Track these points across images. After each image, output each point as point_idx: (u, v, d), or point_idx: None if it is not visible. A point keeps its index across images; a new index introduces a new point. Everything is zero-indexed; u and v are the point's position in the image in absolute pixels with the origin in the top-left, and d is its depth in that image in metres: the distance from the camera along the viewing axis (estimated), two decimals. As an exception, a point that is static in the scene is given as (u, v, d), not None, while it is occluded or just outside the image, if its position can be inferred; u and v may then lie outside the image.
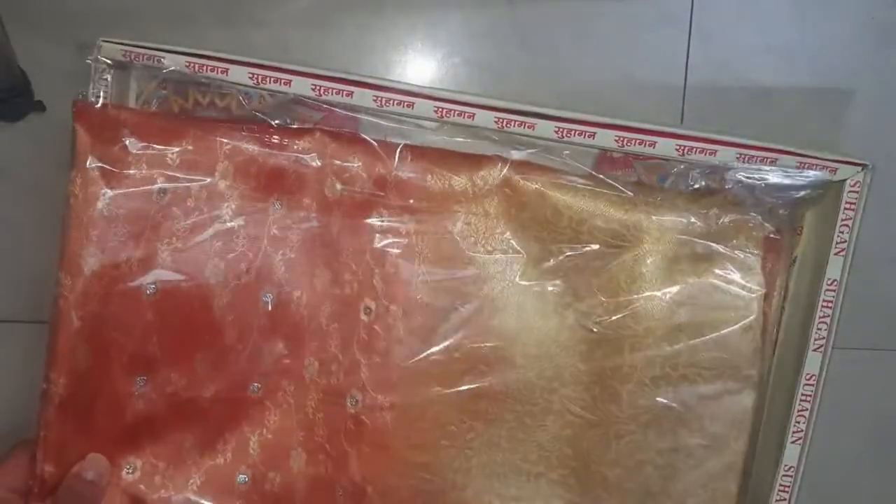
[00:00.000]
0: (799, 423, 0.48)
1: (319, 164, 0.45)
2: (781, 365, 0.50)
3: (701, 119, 0.52)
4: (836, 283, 0.48)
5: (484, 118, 0.46)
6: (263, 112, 0.45)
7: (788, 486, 0.49)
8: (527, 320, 0.49)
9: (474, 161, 0.48)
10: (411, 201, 0.47)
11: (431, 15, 0.50)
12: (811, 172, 0.48)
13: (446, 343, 0.48)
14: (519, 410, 0.49)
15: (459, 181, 0.48)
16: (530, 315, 0.49)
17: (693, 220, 0.49)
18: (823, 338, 0.48)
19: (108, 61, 0.42)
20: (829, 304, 0.48)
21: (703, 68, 0.52)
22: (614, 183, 0.48)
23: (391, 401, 0.47)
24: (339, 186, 0.46)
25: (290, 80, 0.44)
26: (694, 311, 0.49)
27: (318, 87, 0.44)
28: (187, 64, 0.43)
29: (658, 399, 0.49)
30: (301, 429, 0.46)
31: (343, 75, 0.44)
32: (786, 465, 0.49)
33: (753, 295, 0.50)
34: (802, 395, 0.48)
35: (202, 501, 0.44)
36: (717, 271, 0.49)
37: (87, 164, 0.41)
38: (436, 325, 0.48)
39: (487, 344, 0.48)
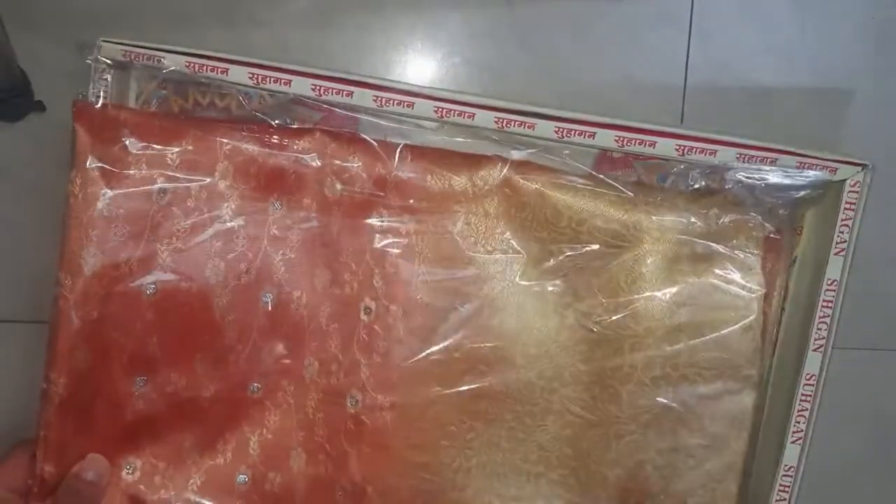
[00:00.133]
0: (799, 423, 0.48)
1: (319, 164, 0.45)
2: (781, 365, 0.50)
3: (701, 119, 0.52)
4: (836, 283, 0.48)
5: (484, 118, 0.46)
6: (263, 112, 0.45)
7: (788, 486, 0.49)
8: (527, 320, 0.49)
9: (474, 161, 0.48)
10: (411, 201, 0.47)
11: (431, 15, 0.50)
12: (811, 172, 0.48)
13: (446, 343, 0.48)
14: (519, 410, 0.49)
15: (459, 181, 0.48)
16: (530, 315, 0.49)
17: (693, 220, 0.49)
18: (823, 338, 0.48)
19: (108, 61, 0.42)
20: (829, 304, 0.48)
21: (703, 68, 0.53)
22: (614, 183, 0.48)
23: (391, 401, 0.47)
24: (339, 186, 0.46)
25: (290, 80, 0.44)
26: (694, 311, 0.49)
27: (318, 87, 0.44)
28: (187, 64, 0.43)
29: (658, 399, 0.49)
30: (301, 429, 0.46)
31: (343, 75, 0.44)
32: (786, 465, 0.49)
33: (753, 295, 0.50)
34: (802, 395, 0.48)
35: (202, 501, 0.44)
36: (717, 271, 0.49)
37: (87, 164, 0.41)
38: (436, 325, 0.48)
39: (487, 344, 0.48)
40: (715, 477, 0.50)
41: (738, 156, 0.48)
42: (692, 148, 0.47)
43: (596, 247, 0.49)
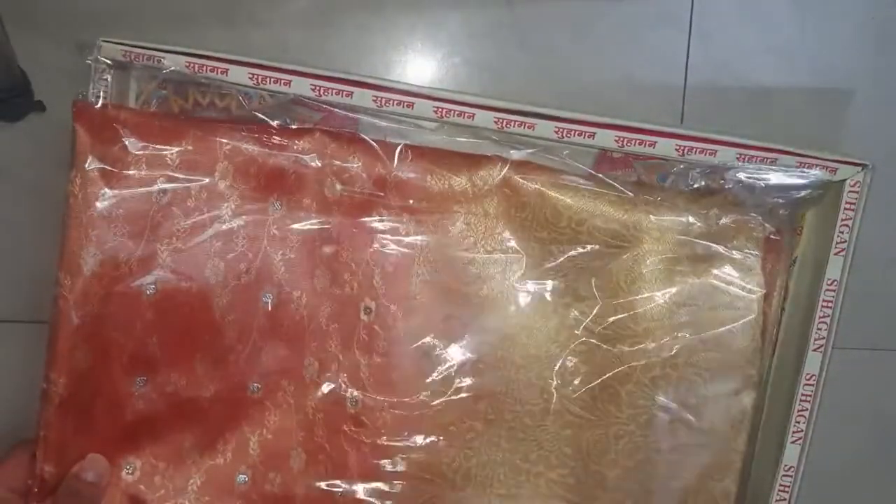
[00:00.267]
0: (799, 423, 0.48)
1: (319, 164, 0.45)
2: (781, 365, 0.50)
3: (701, 119, 0.52)
4: (836, 283, 0.48)
5: (484, 118, 0.46)
6: (263, 112, 0.45)
7: (788, 486, 0.49)
8: (527, 320, 0.49)
9: (474, 161, 0.48)
10: (411, 201, 0.47)
11: (431, 15, 0.50)
12: (811, 172, 0.48)
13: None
14: (519, 410, 0.49)
15: (459, 181, 0.48)
16: (530, 315, 0.49)
17: (693, 220, 0.49)
18: (823, 338, 0.48)
19: (108, 61, 0.42)
20: (829, 304, 0.48)
21: (703, 68, 0.52)
22: (614, 183, 0.48)
23: (391, 401, 0.47)
24: (338, 187, 0.46)
25: (290, 81, 0.44)
26: (694, 312, 0.49)
27: (317, 88, 0.44)
28: (187, 64, 0.43)
29: (658, 399, 0.49)
30: (301, 429, 0.46)
31: (343, 75, 0.44)
32: (786, 465, 0.49)
33: (753, 295, 0.50)
34: (802, 395, 0.48)
35: (202, 501, 0.44)
36: (716, 272, 0.49)
37: (87, 164, 0.41)
38: (436, 326, 0.48)
39: (487, 344, 0.48)
40: (714, 477, 0.50)
41: (738, 156, 0.48)
42: (692, 148, 0.47)
43: (596, 247, 0.49)
